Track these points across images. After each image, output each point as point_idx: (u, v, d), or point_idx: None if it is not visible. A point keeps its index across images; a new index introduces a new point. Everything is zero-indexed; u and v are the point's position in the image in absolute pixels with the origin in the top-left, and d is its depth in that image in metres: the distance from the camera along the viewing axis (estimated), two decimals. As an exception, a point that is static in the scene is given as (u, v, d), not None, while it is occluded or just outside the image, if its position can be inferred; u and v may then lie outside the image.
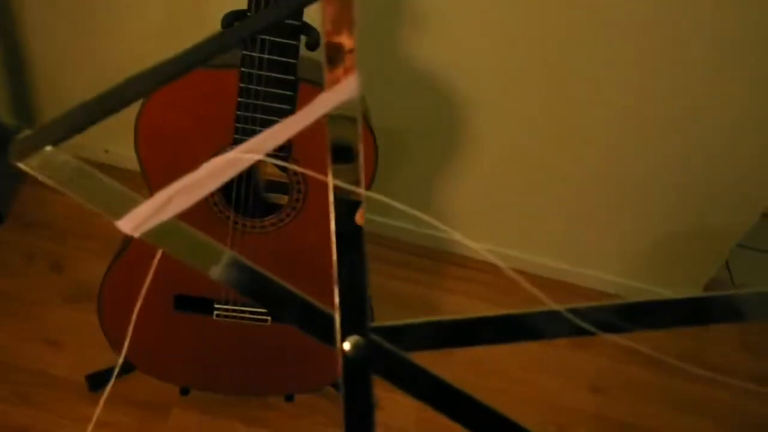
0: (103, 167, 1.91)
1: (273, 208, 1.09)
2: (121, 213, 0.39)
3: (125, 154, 1.79)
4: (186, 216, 1.08)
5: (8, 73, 1.79)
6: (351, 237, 0.40)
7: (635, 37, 1.40)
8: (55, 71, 1.74)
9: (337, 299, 0.41)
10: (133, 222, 0.39)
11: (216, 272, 0.41)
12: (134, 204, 0.39)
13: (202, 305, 1.16)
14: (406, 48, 1.50)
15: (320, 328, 0.41)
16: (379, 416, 1.49)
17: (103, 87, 0.38)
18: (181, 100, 0.96)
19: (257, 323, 1.18)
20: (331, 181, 0.40)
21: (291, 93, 0.92)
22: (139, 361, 1.26)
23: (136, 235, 0.40)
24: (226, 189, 1.05)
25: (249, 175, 1.06)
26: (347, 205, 0.40)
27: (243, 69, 0.90)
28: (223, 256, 0.41)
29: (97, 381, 1.38)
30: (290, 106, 0.94)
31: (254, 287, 0.42)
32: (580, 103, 1.53)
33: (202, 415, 1.40)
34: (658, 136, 1.55)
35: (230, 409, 1.41)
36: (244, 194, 1.06)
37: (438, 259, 1.85)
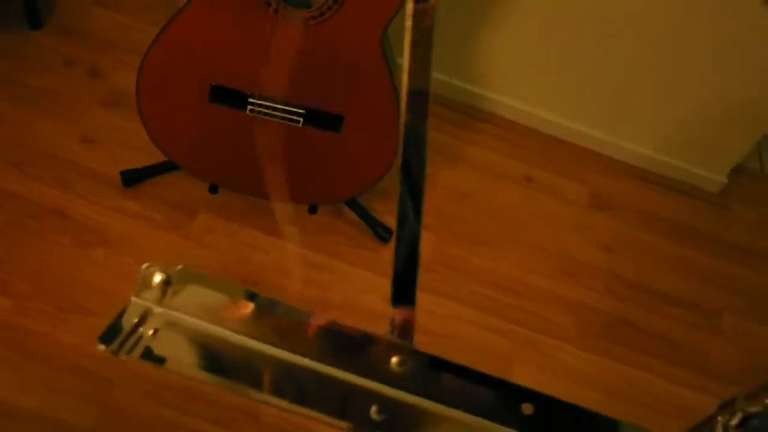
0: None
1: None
2: None
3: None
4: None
5: None
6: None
7: None
8: None
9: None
10: None
11: None
12: None
13: (237, 98, 1.19)
14: None
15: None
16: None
17: None
18: None
19: (289, 123, 1.21)
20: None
21: None
22: (172, 152, 1.30)
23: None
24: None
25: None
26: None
27: None
28: None
29: (131, 177, 1.44)
30: None
31: None
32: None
33: (227, 221, 1.46)
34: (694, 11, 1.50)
35: (254, 219, 1.47)
36: (287, -18, 1.05)
37: (471, 115, 1.84)
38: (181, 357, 0.32)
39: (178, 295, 0.32)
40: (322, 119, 1.21)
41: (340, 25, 1.09)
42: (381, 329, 1.51)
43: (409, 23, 0.38)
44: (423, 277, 1.54)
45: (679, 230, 1.74)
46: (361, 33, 1.09)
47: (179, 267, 0.34)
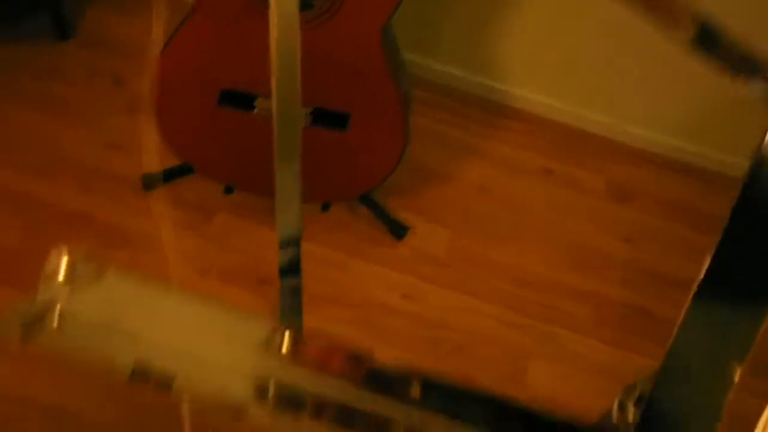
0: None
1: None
2: None
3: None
4: (226, 2, 1.11)
5: None
6: None
7: None
8: None
9: None
10: None
11: None
12: None
13: (244, 101, 1.22)
14: None
15: None
16: (413, 241, 1.56)
17: None
18: None
19: (296, 123, 1.24)
20: None
21: None
22: (187, 155, 1.34)
23: None
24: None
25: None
26: None
27: None
28: None
29: (151, 181, 1.49)
30: None
31: None
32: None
33: (244, 221, 1.50)
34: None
35: (270, 218, 1.50)
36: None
37: (486, 109, 1.84)
38: (85, 346, 0.35)
39: (85, 284, 0.35)
40: (328, 118, 1.23)
41: (340, 25, 1.11)
42: (398, 324, 1.52)
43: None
44: (440, 273, 1.56)
45: (701, 218, 1.70)
46: (360, 32, 1.11)
47: (84, 251, 0.37)
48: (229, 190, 1.42)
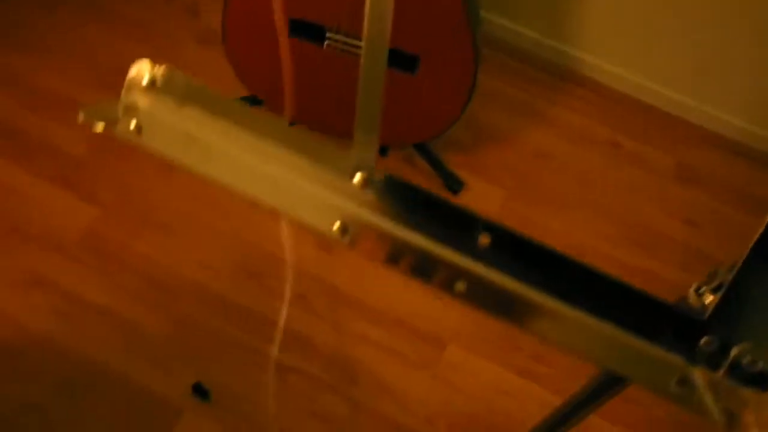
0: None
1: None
2: None
3: None
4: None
5: None
6: None
7: None
8: None
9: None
10: None
11: None
12: None
13: (315, 32, 1.21)
14: None
15: None
16: (467, 197, 1.53)
17: None
18: None
19: (364, 61, 1.22)
20: None
21: None
22: (254, 86, 1.35)
23: None
24: None
25: None
26: None
27: None
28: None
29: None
30: None
31: None
32: None
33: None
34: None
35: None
36: None
37: (558, 75, 1.79)
38: (162, 149, 0.35)
39: (164, 94, 0.35)
40: (397, 58, 1.21)
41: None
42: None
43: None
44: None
45: (771, 210, 1.63)
46: None
47: (164, 67, 0.37)
48: (290, 124, 1.42)
